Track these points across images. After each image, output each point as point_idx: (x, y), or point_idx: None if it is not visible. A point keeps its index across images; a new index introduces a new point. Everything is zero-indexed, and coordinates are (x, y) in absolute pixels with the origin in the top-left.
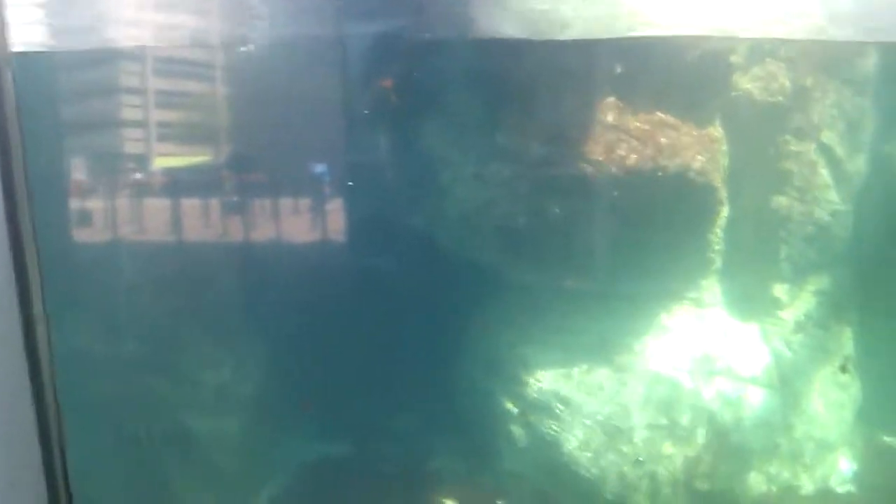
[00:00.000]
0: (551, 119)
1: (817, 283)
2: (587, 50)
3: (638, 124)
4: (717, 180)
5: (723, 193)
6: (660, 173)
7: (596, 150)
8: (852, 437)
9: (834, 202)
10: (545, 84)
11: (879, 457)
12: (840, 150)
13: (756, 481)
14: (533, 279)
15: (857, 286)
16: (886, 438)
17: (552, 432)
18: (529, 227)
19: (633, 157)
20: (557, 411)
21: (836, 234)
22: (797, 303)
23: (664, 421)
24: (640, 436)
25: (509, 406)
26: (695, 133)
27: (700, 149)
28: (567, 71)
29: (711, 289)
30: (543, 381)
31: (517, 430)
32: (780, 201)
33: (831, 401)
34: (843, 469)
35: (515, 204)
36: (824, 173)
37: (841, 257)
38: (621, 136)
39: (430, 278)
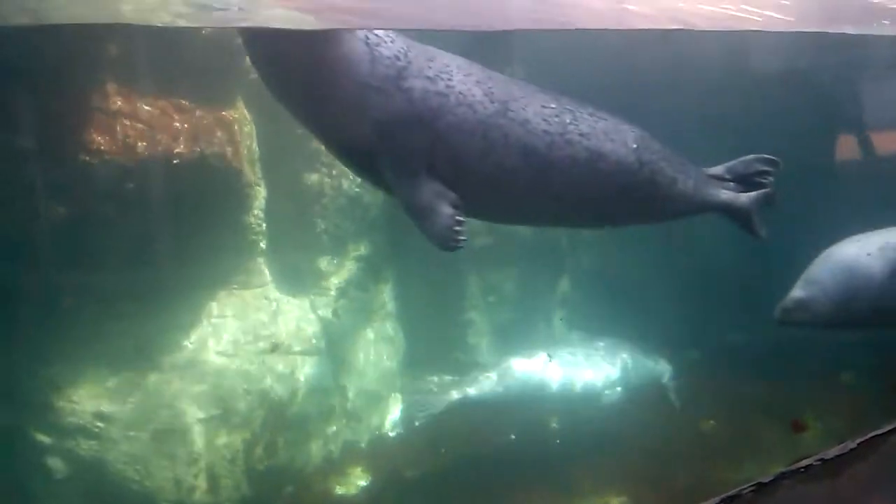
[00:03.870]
0: (39, 111)
1: (356, 249)
2: (78, 34)
3: (147, 109)
4: (242, 162)
5: (251, 175)
6: (176, 160)
7: (98, 140)
8: (400, 384)
9: None
10: (28, 73)
11: (422, 397)
12: None
13: (316, 446)
14: (51, 289)
15: (391, 246)
16: (428, 377)
17: (93, 454)
18: (34, 231)
19: (143, 144)
20: (97, 430)
21: (368, 202)
22: (340, 271)
23: (218, 412)
24: (193, 434)
25: (40, 438)
26: (212, 116)
27: (219, 132)
28: (55, 57)
29: (259, 270)
30: (78, 400)
31: (54, 463)
32: (312, 178)
33: (379, 355)
34: (393, 415)
35: (9, 207)
36: None
37: (374, 223)
38: (128, 123)
39: None
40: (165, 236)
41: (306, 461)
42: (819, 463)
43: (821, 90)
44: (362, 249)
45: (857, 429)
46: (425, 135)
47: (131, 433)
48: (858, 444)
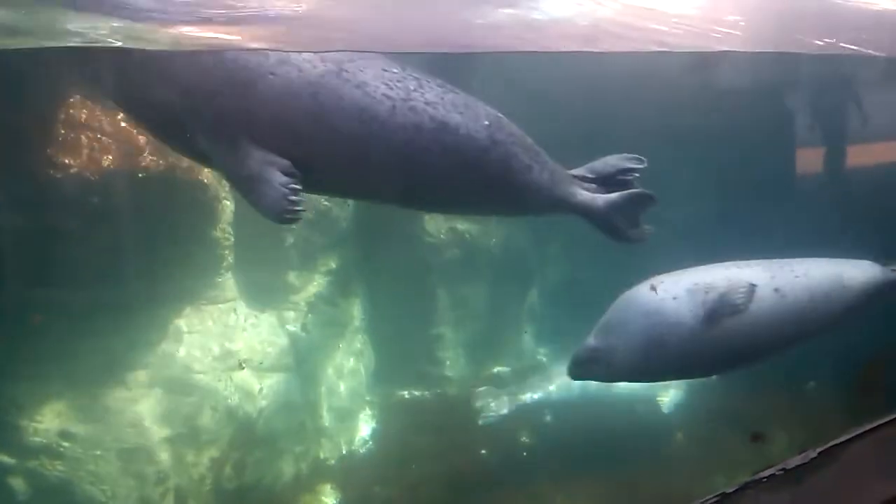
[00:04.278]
0: (1, 124)
1: (325, 264)
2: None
3: (113, 122)
4: (210, 176)
5: (219, 189)
6: (142, 174)
7: (63, 154)
8: (369, 400)
9: None
10: None
11: (394, 410)
12: None
13: (286, 464)
14: (15, 305)
15: (361, 260)
16: (398, 392)
17: (58, 475)
18: None
19: (109, 157)
20: (62, 450)
21: (337, 216)
22: (309, 286)
23: (185, 429)
24: (161, 452)
25: (2, 458)
26: None
27: None
28: (18, 69)
29: (227, 285)
30: (42, 419)
31: (16, 483)
32: None
33: (347, 370)
34: (363, 431)
35: None
36: None
37: (343, 237)
38: (93, 136)
39: None
40: (132, 251)
41: (275, 479)
42: (781, 472)
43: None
44: (331, 263)
45: (820, 438)
46: (242, 98)
47: (97, 452)
48: (819, 454)
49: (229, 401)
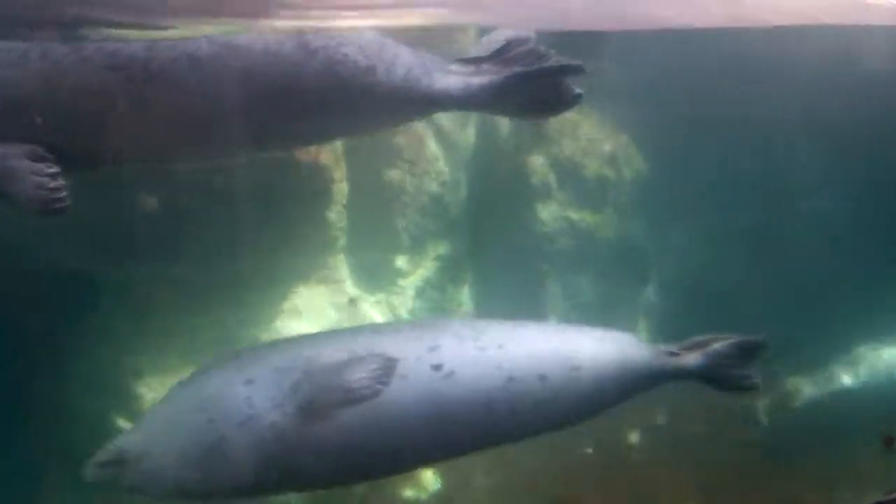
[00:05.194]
0: None
1: (435, 249)
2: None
3: None
4: (327, 158)
5: (336, 172)
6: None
7: None
8: None
9: (443, 172)
10: None
11: None
12: (447, 123)
13: None
14: (136, 279)
15: (471, 247)
16: None
17: None
18: (124, 224)
19: None
20: None
21: (449, 201)
22: (418, 270)
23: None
24: None
25: (123, 424)
26: None
27: None
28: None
29: (338, 266)
30: (158, 388)
31: None
32: (393, 175)
33: None
34: None
35: (101, 201)
36: (432, 145)
37: (455, 223)
38: None
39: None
40: (248, 230)
41: None
42: None
43: None
44: (441, 249)
45: None
46: None
47: None
48: None
49: None
